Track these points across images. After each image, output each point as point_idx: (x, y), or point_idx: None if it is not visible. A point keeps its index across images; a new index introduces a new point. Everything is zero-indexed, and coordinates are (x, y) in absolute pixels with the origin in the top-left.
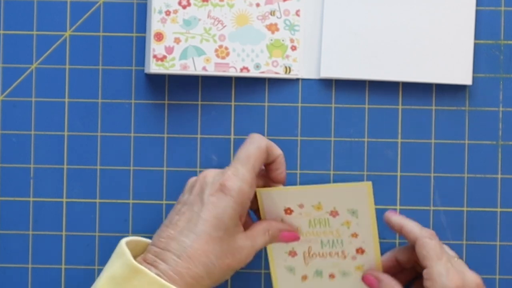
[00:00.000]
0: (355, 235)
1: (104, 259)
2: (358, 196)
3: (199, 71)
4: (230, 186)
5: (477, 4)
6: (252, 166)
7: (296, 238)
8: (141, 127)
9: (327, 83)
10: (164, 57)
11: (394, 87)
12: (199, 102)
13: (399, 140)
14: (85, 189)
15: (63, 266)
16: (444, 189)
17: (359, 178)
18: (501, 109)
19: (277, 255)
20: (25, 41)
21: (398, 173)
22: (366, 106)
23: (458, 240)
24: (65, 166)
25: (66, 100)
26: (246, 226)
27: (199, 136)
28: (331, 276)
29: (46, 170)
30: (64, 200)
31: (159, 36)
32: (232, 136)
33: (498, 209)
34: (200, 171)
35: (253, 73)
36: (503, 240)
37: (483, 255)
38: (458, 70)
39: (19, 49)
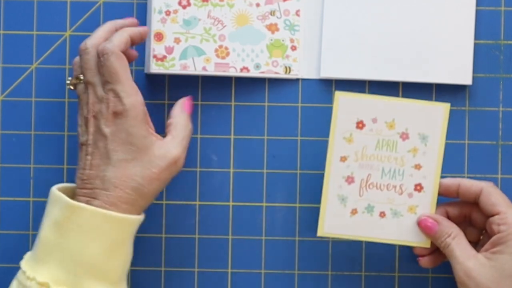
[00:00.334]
0: (418, 166)
1: None
2: (433, 117)
3: (199, 71)
4: (120, 110)
5: (477, 4)
6: (125, 78)
7: (190, 104)
8: None
9: (327, 83)
10: (164, 57)
11: (394, 87)
12: (199, 102)
13: None
14: None
15: None
16: None
17: None
18: (501, 109)
19: (333, 180)
20: (25, 41)
21: None
22: None
23: None
24: (65, 166)
25: (66, 100)
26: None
27: (199, 136)
28: (382, 214)
29: (46, 170)
30: None
31: (159, 36)
32: (232, 136)
33: None
34: (200, 172)
35: (253, 73)
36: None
37: None
38: (458, 70)
39: (19, 49)
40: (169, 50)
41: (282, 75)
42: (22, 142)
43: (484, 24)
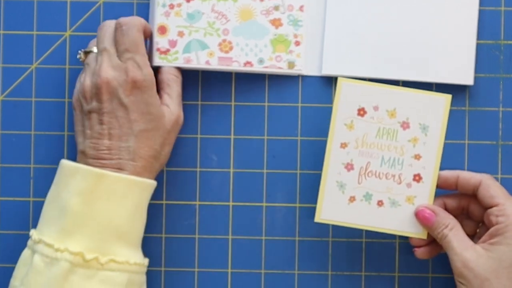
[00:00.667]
0: (418, 156)
1: None
2: (434, 108)
3: (202, 65)
4: (141, 80)
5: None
6: (143, 49)
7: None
8: None
9: (328, 81)
10: (168, 50)
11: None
12: (199, 102)
13: None
14: None
15: None
16: None
17: None
18: (501, 109)
19: (333, 166)
20: (25, 41)
21: None
22: None
23: None
24: None
25: (66, 100)
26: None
27: (199, 136)
28: (379, 203)
29: (46, 170)
30: None
31: (163, 30)
32: (232, 136)
33: None
34: (200, 172)
35: (257, 67)
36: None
37: None
38: (460, 70)
39: (19, 49)
40: (173, 43)
41: (285, 70)
42: (22, 142)
43: (484, 24)
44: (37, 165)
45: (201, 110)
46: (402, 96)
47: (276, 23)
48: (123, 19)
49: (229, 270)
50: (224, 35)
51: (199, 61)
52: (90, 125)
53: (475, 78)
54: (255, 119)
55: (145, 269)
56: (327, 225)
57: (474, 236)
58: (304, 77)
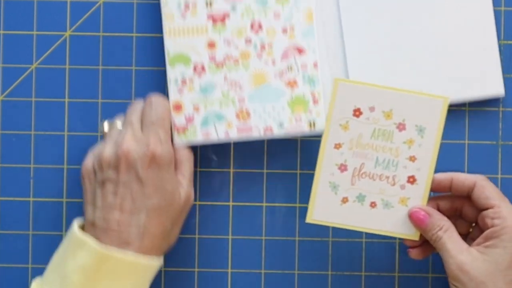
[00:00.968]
0: (413, 158)
1: None
2: (431, 110)
3: (222, 138)
4: (160, 155)
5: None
6: (168, 127)
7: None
8: None
9: None
10: (185, 127)
11: None
12: None
13: None
14: None
15: None
16: None
17: None
18: (501, 109)
19: (326, 166)
20: (25, 41)
21: None
22: None
23: None
24: (65, 166)
25: (66, 100)
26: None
27: None
28: (372, 204)
29: (46, 170)
30: (64, 200)
31: (178, 107)
32: None
33: None
34: (200, 172)
35: (278, 132)
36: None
37: None
38: (488, 81)
39: (19, 49)
40: (190, 119)
41: (307, 132)
42: (22, 142)
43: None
44: (37, 165)
45: None
46: (399, 97)
47: (292, 83)
48: (155, 95)
49: (229, 270)
50: (240, 104)
51: (218, 133)
52: (103, 195)
53: None
54: None
55: None
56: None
57: (467, 236)
58: None
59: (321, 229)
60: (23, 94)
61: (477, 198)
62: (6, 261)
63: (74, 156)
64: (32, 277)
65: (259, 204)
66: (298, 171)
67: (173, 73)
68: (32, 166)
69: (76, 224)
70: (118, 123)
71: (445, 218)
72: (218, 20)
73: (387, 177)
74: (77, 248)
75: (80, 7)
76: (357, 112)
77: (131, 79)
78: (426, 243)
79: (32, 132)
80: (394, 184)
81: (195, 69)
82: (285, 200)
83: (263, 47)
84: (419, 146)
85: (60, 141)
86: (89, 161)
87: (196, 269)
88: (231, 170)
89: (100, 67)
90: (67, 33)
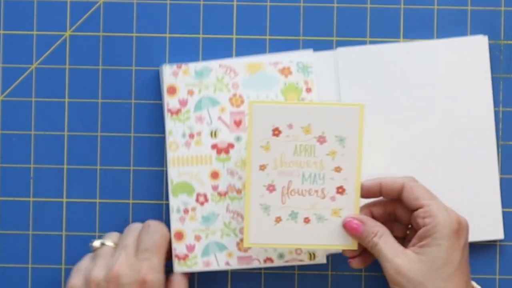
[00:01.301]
0: (338, 169)
1: None
2: (349, 118)
3: (222, 267)
4: (151, 283)
5: (477, 4)
6: (163, 255)
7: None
8: (141, 127)
9: None
10: (186, 256)
11: None
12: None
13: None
14: (85, 189)
15: (63, 266)
16: None
17: None
18: (501, 109)
19: (255, 189)
20: (25, 41)
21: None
22: None
23: None
24: (65, 166)
25: (66, 100)
26: None
27: None
28: (306, 220)
29: (46, 170)
30: (64, 200)
31: (179, 236)
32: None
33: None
34: None
35: (277, 263)
36: (504, 240)
37: (483, 255)
38: (488, 225)
39: (19, 49)
40: (190, 248)
41: (306, 262)
42: (22, 142)
43: (484, 24)
44: (37, 165)
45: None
46: (314, 110)
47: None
48: (153, 221)
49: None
50: (241, 234)
51: (219, 263)
52: None
53: None
54: None
55: None
56: None
57: (404, 239)
58: None
59: None
60: (23, 94)
61: (407, 200)
62: (6, 261)
63: (74, 156)
64: (32, 277)
65: None
66: None
67: (175, 202)
68: (32, 166)
69: None
70: (108, 242)
71: (379, 224)
72: (222, 150)
73: (316, 191)
74: None
75: (80, 7)
76: (276, 132)
77: (131, 79)
78: (365, 252)
79: (32, 132)
80: (324, 197)
81: (197, 199)
82: None
83: None
84: (342, 156)
85: (60, 141)
86: (75, 279)
87: None
88: None
89: (100, 67)
90: (67, 33)
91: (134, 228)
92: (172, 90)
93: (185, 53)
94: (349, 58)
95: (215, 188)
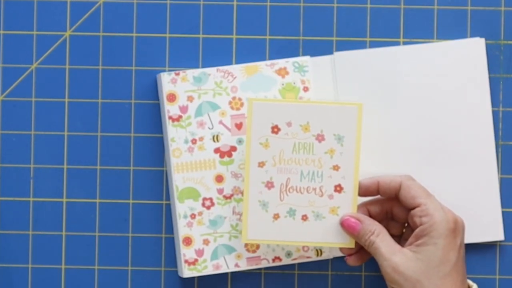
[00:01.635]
0: (336, 167)
1: (104, 259)
2: (347, 117)
3: (232, 269)
4: None
5: (477, 4)
6: None
7: None
8: (141, 127)
9: None
10: (196, 260)
11: None
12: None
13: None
14: (85, 189)
15: (63, 266)
16: None
17: None
18: (501, 109)
19: (253, 185)
20: (25, 41)
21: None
22: None
23: None
24: (65, 166)
25: (66, 100)
26: None
27: None
28: (304, 217)
29: (46, 170)
30: (64, 200)
31: (188, 241)
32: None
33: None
34: None
35: (285, 261)
36: (504, 240)
37: (483, 255)
38: (488, 226)
39: (19, 49)
40: (199, 252)
41: (314, 258)
42: (22, 142)
43: (484, 24)
44: (37, 165)
45: None
46: (313, 109)
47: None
48: None
49: (229, 270)
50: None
51: (228, 265)
52: None
53: None
54: None
55: None
56: None
57: (401, 237)
58: None
59: None
60: (23, 94)
61: (404, 198)
62: (6, 261)
63: (74, 156)
64: (32, 277)
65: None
66: None
67: (182, 208)
68: (32, 166)
69: None
70: None
71: (376, 223)
72: (225, 154)
73: (314, 189)
74: None
75: (80, 7)
76: (275, 129)
77: (131, 79)
78: (362, 250)
79: (32, 132)
80: (322, 195)
81: (203, 203)
82: None
83: None
84: (340, 154)
85: (60, 141)
86: None
87: None
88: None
89: (100, 67)
90: (67, 33)
91: None
92: (172, 97)
93: (185, 53)
94: (347, 62)
95: (220, 191)
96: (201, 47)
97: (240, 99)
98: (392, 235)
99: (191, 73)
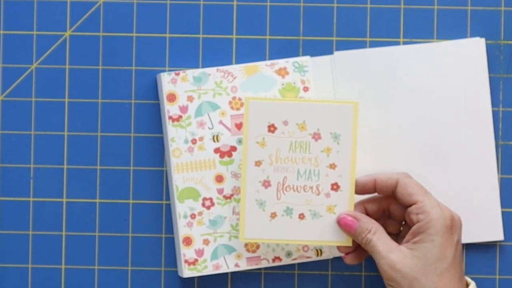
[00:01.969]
0: (333, 165)
1: (104, 259)
2: (343, 116)
3: (232, 269)
4: None
5: (477, 4)
6: None
7: None
8: (141, 127)
9: None
10: (196, 260)
11: None
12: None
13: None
14: (85, 189)
15: (63, 266)
16: None
17: None
18: (501, 109)
19: (250, 184)
20: (25, 41)
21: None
22: None
23: None
24: (65, 166)
25: (66, 100)
26: None
27: None
28: (301, 216)
29: (46, 170)
30: (64, 200)
31: (188, 241)
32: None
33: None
34: None
35: (285, 261)
36: (504, 240)
37: (483, 255)
38: (488, 226)
39: (19, 49)
40: (199, 252)
41: (314, 258)
42: (22, 142)
43: (484, 24)
44: (37, 165)
45: None
46: (309, 107)
47: None
48: None
49: (229, 270)
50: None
51: (228, 265)
52: None
53: None
54: None
55: None
56: None
57: (398, 235)
58: None
59: None
60: (23, 94)
61: (401, 196)
62: (6, 261)
63: (74, 156)
64: (32, 277)
65: None
66: None
67: (182, 208)
68: (32, 166)
69: None
70: None
71: (373, 221)
72: (225, 154)
73: (311, 187)
74: None
75: (80, 7)
76: (271, 128)
77: (131, 79)
78: (359, 248)
79: (32, 132)
80: (319, 194)
81: (203, 203)
82: None
83: None
84: (337, 153)
85: (60, 141)
86: None
87: None
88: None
89: (100, 67)
90: (67, 33)
91: None
92: (172, 97)
93: (185, 53)
94: (347, 62)
95: (220, 191)
96: (201, 47)
97: (240, 99)
98: (390, 234)
99: (191, 73)
